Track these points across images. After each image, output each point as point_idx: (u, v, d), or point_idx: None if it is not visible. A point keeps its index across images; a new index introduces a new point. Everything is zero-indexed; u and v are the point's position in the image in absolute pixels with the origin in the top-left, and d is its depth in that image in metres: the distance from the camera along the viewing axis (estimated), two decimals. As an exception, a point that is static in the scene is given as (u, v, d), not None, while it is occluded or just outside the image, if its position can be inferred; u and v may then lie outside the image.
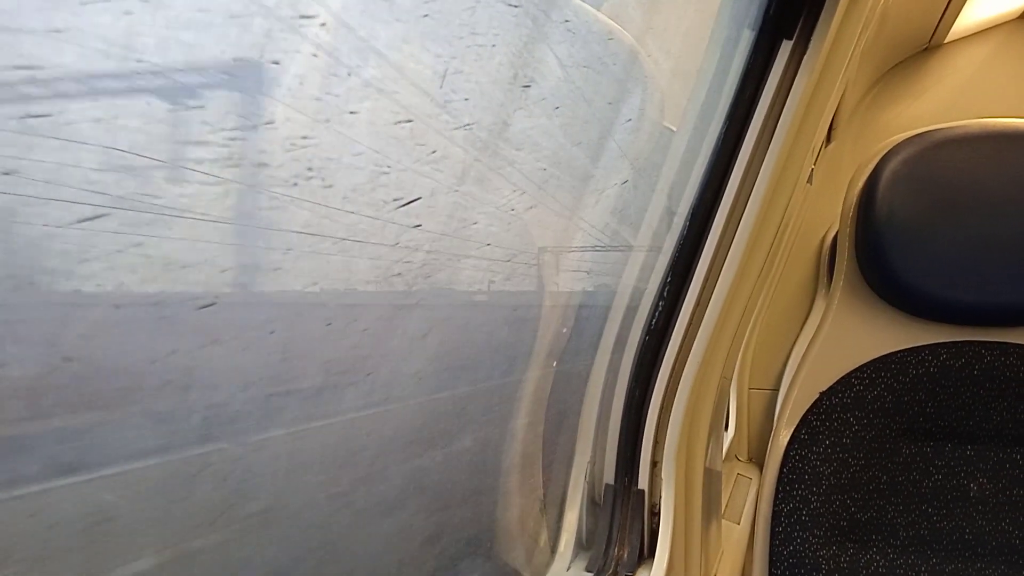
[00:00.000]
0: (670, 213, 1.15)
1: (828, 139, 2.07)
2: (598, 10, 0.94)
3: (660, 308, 1.16)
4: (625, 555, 1.18)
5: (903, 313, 1.42)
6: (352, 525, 0.89)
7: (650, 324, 1.17)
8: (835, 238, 2.03)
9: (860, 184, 1.43)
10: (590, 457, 1.25)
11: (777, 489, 1.43)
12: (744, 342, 1.76)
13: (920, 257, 1.34)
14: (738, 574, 1.57)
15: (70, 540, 0.53)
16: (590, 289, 1.25)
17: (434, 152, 0.75)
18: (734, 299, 1.15)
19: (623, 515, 1.21)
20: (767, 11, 0.99)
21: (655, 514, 1.20)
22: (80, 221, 0.45)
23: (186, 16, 0.48)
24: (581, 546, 1.23)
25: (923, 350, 1.40)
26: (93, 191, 0.46)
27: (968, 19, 2.13)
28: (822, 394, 1.42)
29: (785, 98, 1.03)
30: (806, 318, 2.27)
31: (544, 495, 1.24)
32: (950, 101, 2.24)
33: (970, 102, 2.22)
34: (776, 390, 2.26)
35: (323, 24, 0.59)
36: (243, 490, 0.70)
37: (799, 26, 0.99)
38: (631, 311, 1.19)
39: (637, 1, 1.05)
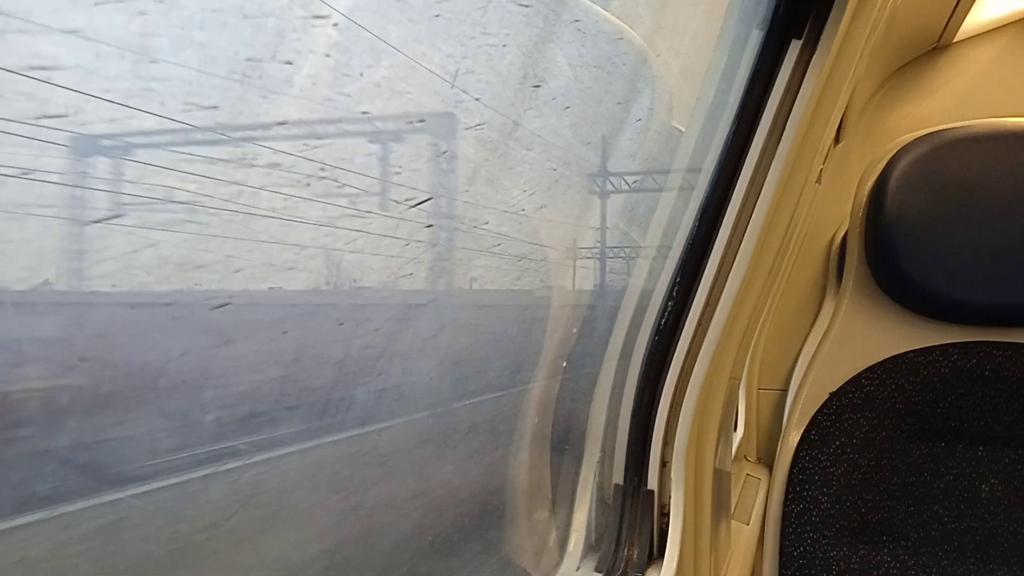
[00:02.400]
0: (679, 213, 1.15)
1: (837, 139, 2.06)
2: (607, 10, 0.94)
3: (669, 308, 1.15)
4: (635, 555, 1.18)
5: (913, 313, 1.41)
6: (362, 526, 0.89)
7: (659, 324, 1.16)
8: (844, 238, 2.03)
9: (869, 184, 1.43)
10: (599, 457, 1.25)
11: (787, 490, 1.42)
12: (753, 342, 1.76)
13: (930, 257, 1.34)
14: (747, 575, 1.57)
15: (85, 542, 0.53)
16: (599, 289, 1.25)
17: (445, 152, 0.75)
18: (743, 299, 1.14)
19: (633, 515, 1.21)
20: (776, 11, 0.99)
21: (664, 514, 1.19)
22: (95, 221, 0.45)
23: (200, 16, 0.48)
24: (591, 546, 1.23)
25: (934, 350, 1.39)
26: (108, 191, 0.46)
27: (977, 19, 2.12)
28: (832, 394, 1.42)
29: (794, 98, 1.03)
30: (815, 318, 2.26)
31: (553, 495, 1.24)
32: (959, 101, 2.23)
33: (979, 102, 2.21)
34: (785, 390, 2.25)
35: (335, 24, 0.59)
36: (254, 491, 0.70)
37: (808, 26, 0.99)
38: (640, 311, 1.19)
39: (646, 1, 1.05)
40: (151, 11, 0.46)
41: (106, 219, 0.45)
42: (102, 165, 0.45)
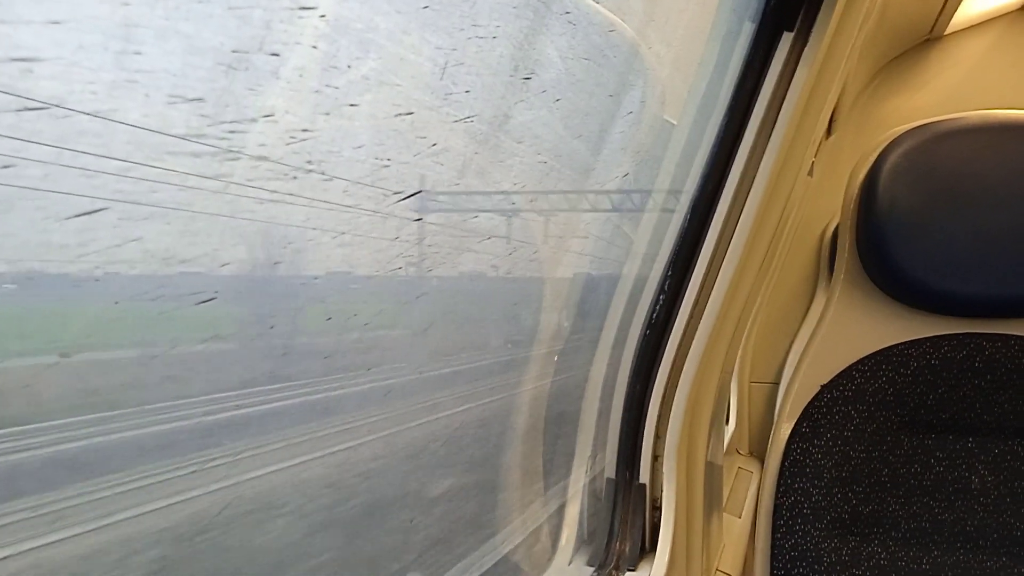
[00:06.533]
0: (670, 207, 1.15)
1: (828, 131, 2.06)
2: (599, 2, 0.94)
3: (661, 302, 1.15)
4: (627, 549, 1.18)
5: (904, 305, 1.41)
6: (354, 521, 0.88)
7: (651, 318, 1.16)
8: (836, 231, 2.03)
9: (861, 176, 1.42)
10: (591, 451, 1.25)
11: (779, 482, 1.42)
12: (745, 335, 1.76)
13: (921, 249, 1.34)
14: (739, 567, 1.57)
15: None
16: (590, 283, 1.25)
17: (435, 145, 0.75)
18: (735, 293, 1.14)
19: (624, 509, 1.21)
20: (768, 3, 0.99)
21: (656, 508, 1.19)
22: (78, 215, 0.45)
23: (185, 7, 0.48)
24: (583, 540, 1.23)
25: (924, 342, 1.39)
26: (91, 184, 0.45)
27: (968, 11, 2.13)
28: (823, 387, 1.42)
29: (786, 90, 1.03)
30: (806, 311, 2.27)
31: (545, 489, 1.24)
32: (950, 93, 2.24)
33: (970, 94, 2.22)
34: (776, 383, 2.26)
35: (323, 16, 0.58)
36: (243, 488, 0.69)
37: (800, 18, 0.98)
38: (632, 305, 1.19)
39: (638, -7, 1.04)
40: (135, 1, 0.45)
41: (89, 212, 0.45)
42: (85, 158, 0.45)
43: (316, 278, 0.67)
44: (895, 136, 1.39)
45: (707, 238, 1.10)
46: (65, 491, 0.52)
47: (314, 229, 0.64)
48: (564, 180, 1.06)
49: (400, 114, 0.69)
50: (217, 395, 0.62)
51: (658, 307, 1.15)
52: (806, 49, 0.99)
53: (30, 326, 0.45)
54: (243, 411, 0.65)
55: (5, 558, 0.47)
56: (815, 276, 2.27)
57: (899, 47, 2.27)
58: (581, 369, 1.24)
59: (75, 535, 0.53)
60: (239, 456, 0.67)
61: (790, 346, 2.25)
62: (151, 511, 0.59)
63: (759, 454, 2.21)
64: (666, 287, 1.14)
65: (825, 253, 2.24)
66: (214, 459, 0.64)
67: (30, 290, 0.44)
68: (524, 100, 0.86)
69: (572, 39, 0.90)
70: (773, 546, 1.42)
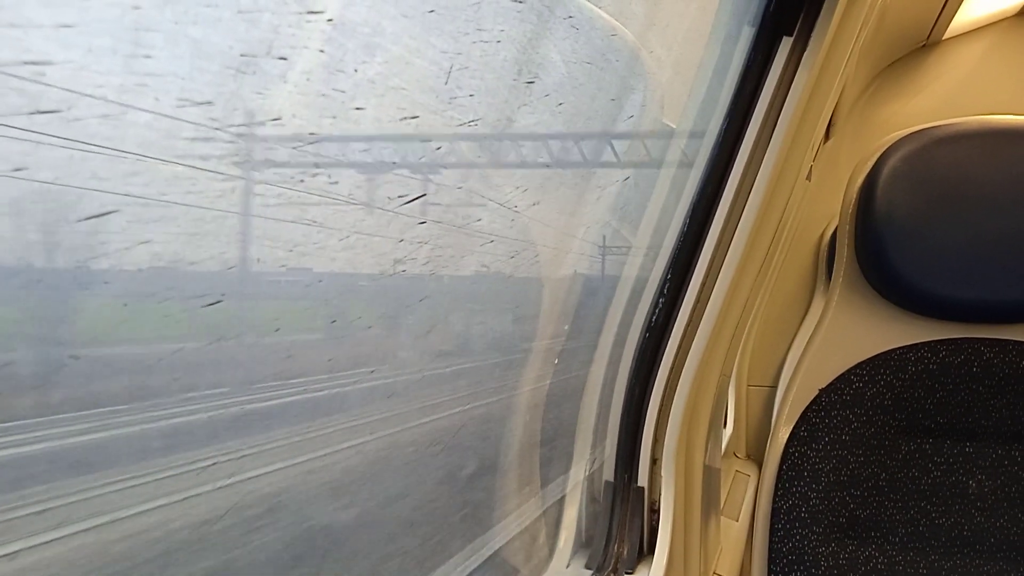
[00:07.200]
0: (670, 210, 1.15)
1: (827, 136, 2.07)
2: (600, 7, 0.94)
3: (660, 305, 1.15)
4: (625, 552, 1.18)
5: (902, 310, 1.42)
6: (353, 521, 0.89)
7: (650, 321, 1.16)
8: (834, 235, 2.04)
9: (859, 181, 1.43)
10: (590, 454, 1.25)
11: (776, 486, 1.42)
12: (743, 339, 1.76)
13: (919, 254, 1.34)
14: (737, 571, 1.57)
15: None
16: (591, 286, 1.25)
17: (439, 148, 0.75)
18: (734, 296, 1.15)
19: (623, 512, 1.21)
20: (767, 8, 0.99)
21: (655, 511, 1.20)
22: (88, 218, 0.45)
23: (194, 11, 0.48)
24: (581, 543, 1.23)
25: (922, 347, 1.40)
26: (101, 187, 0.45)
27: (966, 16, 2.13)
28: (821, 391, 1.42)
29: (785, 95, 1.03)
30: (805, 315, 2.27)
31: (543, 492, 1.24)
32: (948, 98, 2.25)
33: (968, 99, 2.22)
34: (774, 387, 2.26)
35: (330, 20, 0.58)
36: (247, 488, 0.70)
37: (799, 23, 0.99)
38: (631, 308, 1.19)
39: (639, -3, 1.05)
40: (145, 5, 0.45)
41: (99, 215, 0.45)
42: (95, 161, 0.45)
43: (321, 280, 0.67)
44: (893, 141, 1.40)
45: (706, 241, 1.10)
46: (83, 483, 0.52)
47: (319, 232, 0.64)
48: (566, 183, 1.06)
49: (405, 118, 0.70)
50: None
51: (657, 310, 1.16)
52: (805, 54, 1.00)
53: (39, 328, 0.46)
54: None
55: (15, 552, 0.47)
56: (813, 280, 2.28)
57: (897, 52, 2.28)
58: (579, 371, 1.24)
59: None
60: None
61: (788, 350, 2.26)
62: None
63: (757, 458, 2.21)
64: (665, 290, 1.14)
65: (823, 257, 2.25)
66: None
67: (39, 292, 0.44)
68: (527, 104, 0.87)
69: (575, 43, 0.91)
70: (770, 550, 1.43)
